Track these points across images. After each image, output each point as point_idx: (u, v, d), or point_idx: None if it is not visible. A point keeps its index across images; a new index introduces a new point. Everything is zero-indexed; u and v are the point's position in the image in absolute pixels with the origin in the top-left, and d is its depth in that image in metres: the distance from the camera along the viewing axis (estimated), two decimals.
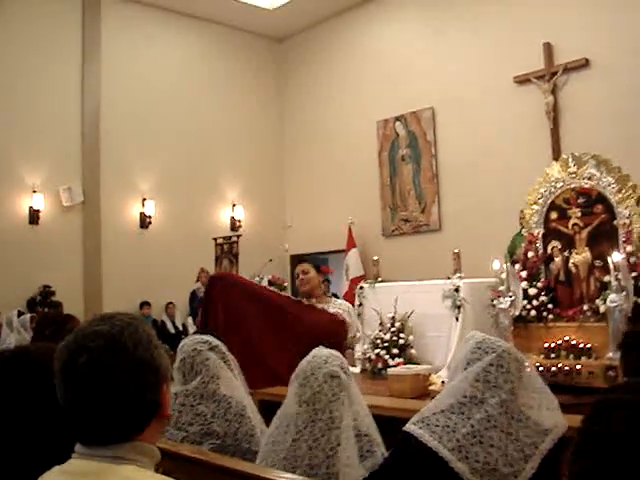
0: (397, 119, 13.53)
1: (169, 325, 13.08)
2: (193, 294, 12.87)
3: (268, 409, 2.98)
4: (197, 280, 12.68)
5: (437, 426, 2.49)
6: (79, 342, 1.53)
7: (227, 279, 6.42)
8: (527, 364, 2.66)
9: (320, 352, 2.86)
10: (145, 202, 13.55)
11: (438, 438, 2.45)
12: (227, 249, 11.72)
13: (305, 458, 2.64)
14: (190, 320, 12.78)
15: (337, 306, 6.10)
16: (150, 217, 13.58)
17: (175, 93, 14.10)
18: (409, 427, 2.56)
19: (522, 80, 11.46)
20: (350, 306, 5.90)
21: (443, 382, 7.26)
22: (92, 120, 13.06)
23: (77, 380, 1.50)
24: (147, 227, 13.55)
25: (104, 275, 12.68)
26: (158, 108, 13.75)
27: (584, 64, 10.82)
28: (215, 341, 3.57)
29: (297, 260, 15.29)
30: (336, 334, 5.86)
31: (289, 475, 2.61)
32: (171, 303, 13.24)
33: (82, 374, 1.49)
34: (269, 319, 6.19)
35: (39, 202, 12.52)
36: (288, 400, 2.81)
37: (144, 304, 12.41)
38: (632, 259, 6.36)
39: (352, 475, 2.61)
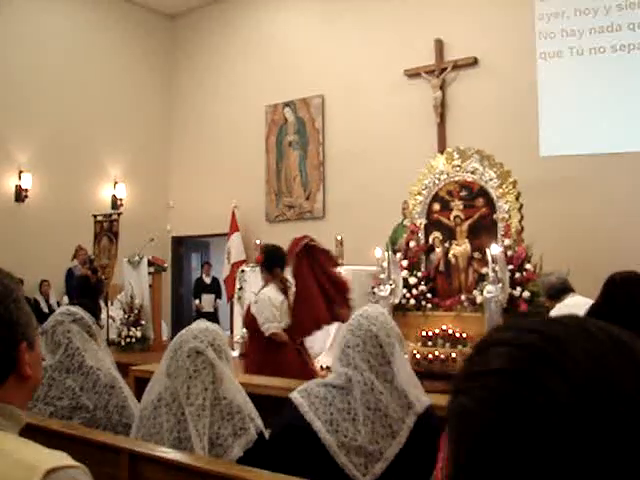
0: (286, 105, 13.48)
1: (42, 304, 12.62)
2: (69, 272, 12.45)
3: (144, 386, 2.88)
4: (74, 258, 12.28)
5: (317, 397, 2.55)
6: None
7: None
8: (400, 343, 2.72)
9: (197, 325, 2.80)
10: (22, 174, 12.96)
11: (315, 409, 2.51)
12: (107, 227, 11.39)
13: (174, 431, 2.59)
14: (66, 299, 12.37)
15: (257, 295, 6.00)
16: (27, 190, 12.99)
17: (59, 62, 13.50)
18: (293, 394, 2.62)
19: (412, 74, 11.60)
20: (263, 295, 5.73)
21: (322, 367, 7.32)
22: None
23: None
24: (23, 201, 12.97)
25: None
26: (40, 76, 13.15)
27: (473, 62, 11.06)
28: (80, 313, 3.42)
29: (178, 241, 15.24)
30: (250, 325, 5.94)
31: (161, 448, 2.55)
32: (45, 281, 12.76)
33: None
34: None
35: None
36: (159, 372, 2.74)
37: None
38: (509, 252, 6.55)
39: (225, 454, 2.57)
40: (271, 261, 5.93)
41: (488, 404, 0.72)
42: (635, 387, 0.70)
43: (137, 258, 10.81)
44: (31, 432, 1.57)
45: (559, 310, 5.36)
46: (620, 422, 0.68)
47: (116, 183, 14.41)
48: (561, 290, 5.73)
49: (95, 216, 11.51)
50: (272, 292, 5.75)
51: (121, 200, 14.39)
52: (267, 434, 2.68)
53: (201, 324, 2.80)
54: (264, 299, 5.75)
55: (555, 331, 0.76)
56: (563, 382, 0.70)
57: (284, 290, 5.79)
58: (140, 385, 3.80)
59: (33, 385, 1.54)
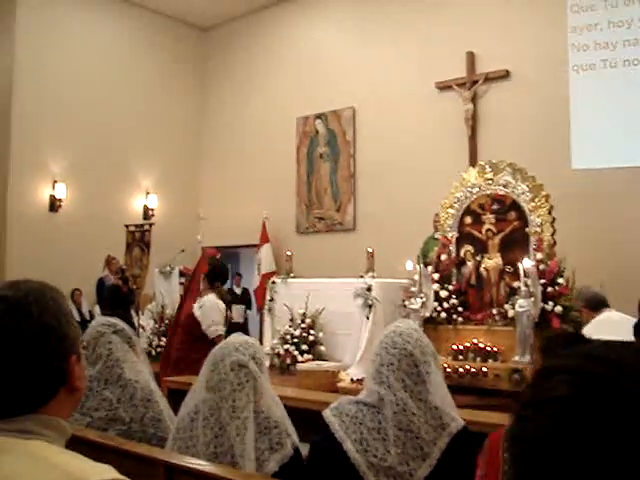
0: (317, 117, 13.52)
1: (75, 312, 12.69)
2: (100, 281, 12.56)
3: (176, 397, 2.90)
4: (105, 267, 12.39)
5: (347, 415, 2.54)
6: None
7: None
8: (435, 361, 2.69)
9: (236, 338, 2.80)
10: (56, 184, 13.14)
11: (345, 428, 2.50)
12: (139, 237, 11.50)
13: (211, 445, 2.58)
14: (97, 308, 12.47)
15: (201, 301, 6.70)
16: (60, 200, 13.16)
17: (94, 75, 13.69)
18: (325, 412, 2.62)
19: (444, 86, 11.59)
20: (210, 301, 6.73)
21: (352, 379, 7.30)
22: (3, 98, 12.59)
23: None
24: (57, 210, 13.14)
25: (8, 258, 12.23)
26: (75, 89, 13.34)
27: (504, 75, 11.02)
28: (120, 324, 3.44)
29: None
30: (189, 325, 6.81)
31: (197, 460, 2.56)
32: (77, 290, 12.88)
33: None
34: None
35: None
36: (198, 384, 2.74)
37: None
38: (541, 266, 6.50)
39: (261, 468, 2.57)
40: (214, 276, 6.96)
41: (552, 431, 0.72)
42: None
43: (168, 268, 10.89)
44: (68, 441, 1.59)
45: (594, 325, 5.33)
46: None
47: (148, 194, 14.55)
48: (601, 302, 5.74)
49: (127, 226, 11.60)
50: (217, 299, 6.70)
51: (152, 211, 14.51)
52: (302, 449, 2.68)
53: (240, 337, 2.81)
54: (213, 304, 6.65)
55: (618, 357, 0.76)
56: (629, 409, 0.70)
57: (223, 300, 6.88)
58: (173, 397, 3.82)
59: (79, 397, 1.56)
